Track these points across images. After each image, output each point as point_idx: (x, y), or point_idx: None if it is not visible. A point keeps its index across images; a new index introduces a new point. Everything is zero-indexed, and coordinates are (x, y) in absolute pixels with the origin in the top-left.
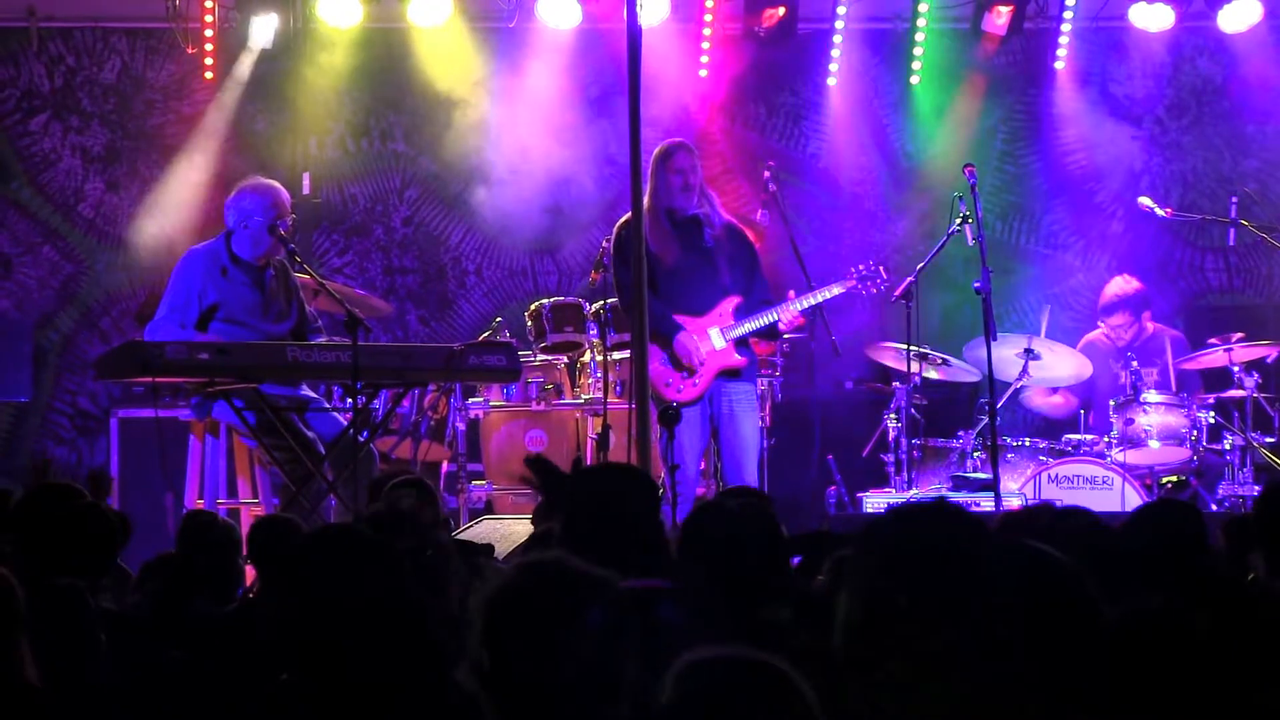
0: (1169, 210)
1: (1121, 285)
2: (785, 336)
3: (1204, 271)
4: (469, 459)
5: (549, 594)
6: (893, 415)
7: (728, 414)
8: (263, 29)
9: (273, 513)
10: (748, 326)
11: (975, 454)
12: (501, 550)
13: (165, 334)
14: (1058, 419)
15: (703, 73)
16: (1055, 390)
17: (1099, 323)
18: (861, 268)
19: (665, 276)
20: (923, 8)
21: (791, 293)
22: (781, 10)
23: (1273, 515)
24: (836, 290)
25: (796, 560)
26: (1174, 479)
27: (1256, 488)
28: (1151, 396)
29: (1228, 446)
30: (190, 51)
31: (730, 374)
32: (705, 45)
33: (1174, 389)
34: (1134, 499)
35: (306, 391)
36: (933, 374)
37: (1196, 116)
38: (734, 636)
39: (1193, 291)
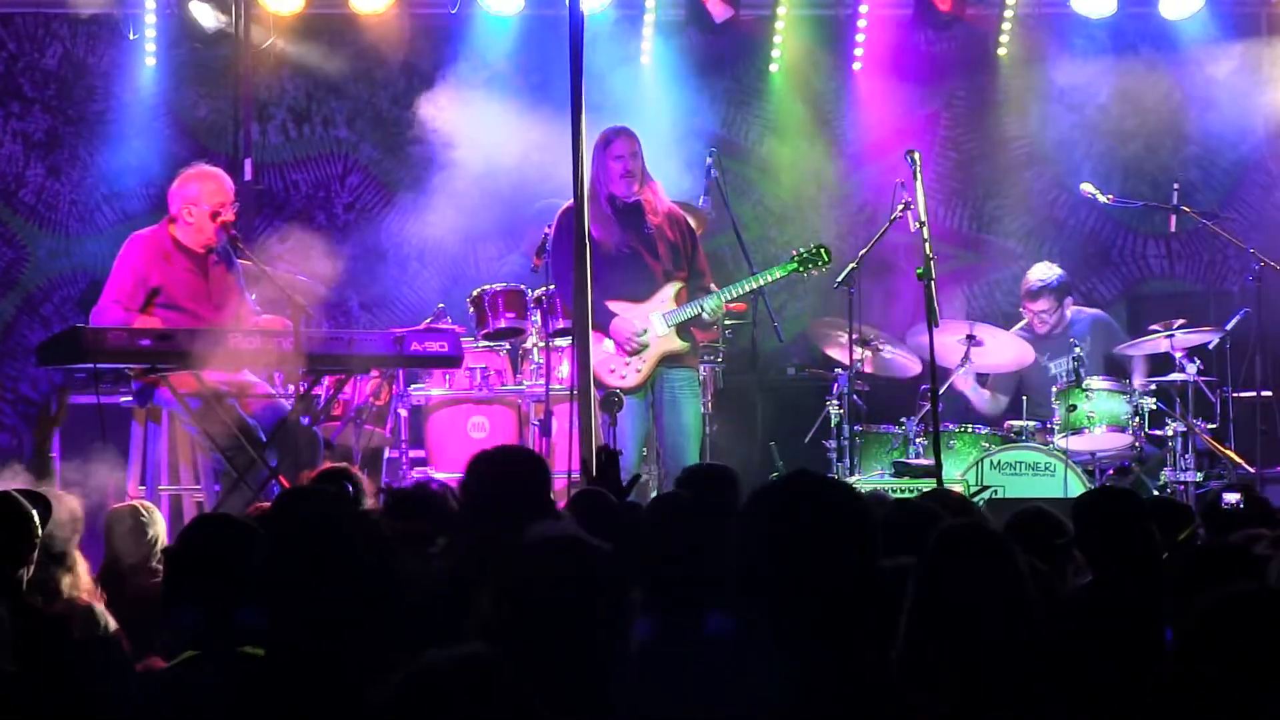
0: (1111, 196)
1: (1044, 271)
2: (728, 323)
3: (1145, 258)
4: (411, 445)
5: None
6: (835, 401)
7: (670, 400)
8: (204, 13)
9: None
10: (689, 313)
11: (918, 440)
12: None
13: (110, 319)
14: (981, 412)
15: (644, 59)
16: (984, 381)
17: (1022, 309)
18: (803, 250)
19: (607, 262)
20: None
21: (713, 285)
22: None
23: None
24: (777, 274)
25: None
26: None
27: (1198, 474)
28: (1094, 383)
29: (1170, 432)
30: (132, 37)
31: (672, 360)
32: (647, 31)
33: (1104, 370)
34: (1077, 485)
35: (249, 377)
36: (873, 361)
37: (1139, 103)
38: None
39: (1134, 278)
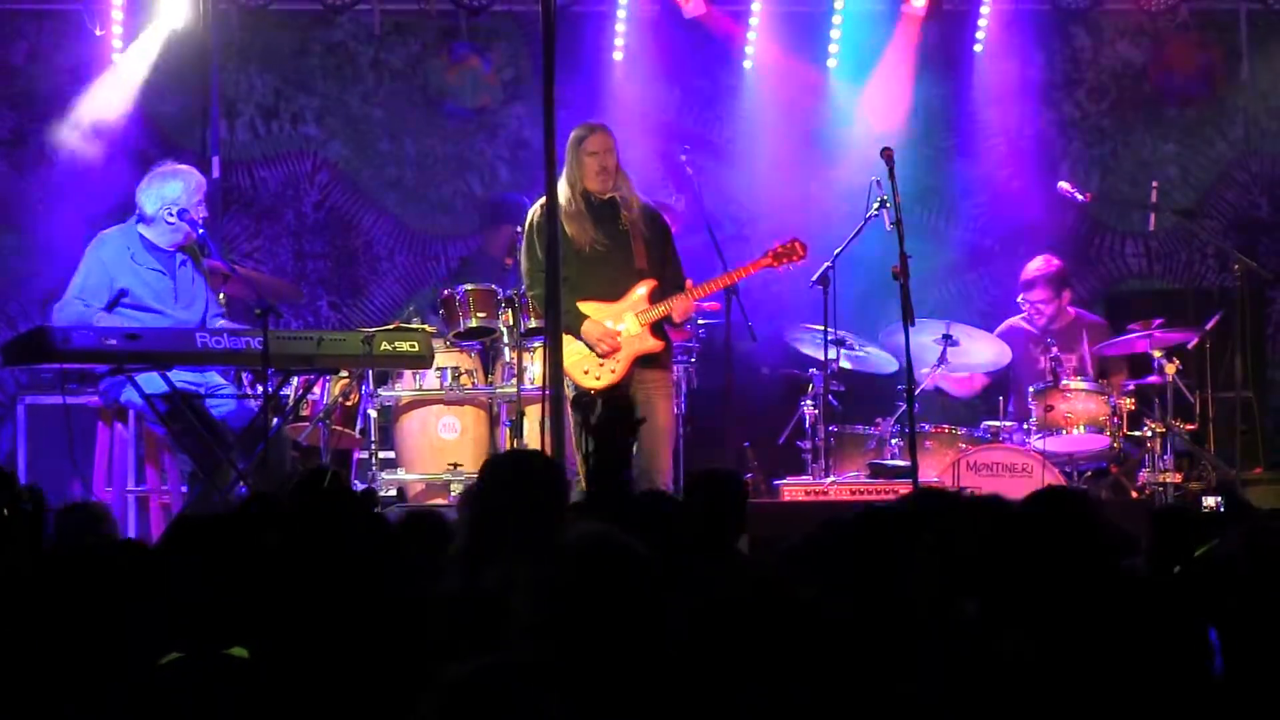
0: (1088, 195)
1: (1042, 263)
2: (701, 323)
3: (1124, 257)
4: (381, 446)
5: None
6: (810, 402)
7: (643, 401)
8: (171, 9)
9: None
10: (662, 310)
11: (894, 441)
12: None
13: (70, 315)
14: (960, 397)
15: (618, 55)
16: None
17: (1019, 299)
18: (778, 245)
19: (580, 260)
20: None
21: (689, 282)
22: None
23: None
24: (751, 268)
25: None
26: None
27: (1177, 475)
28: (1073, 383)
29: (1148, 434)
30: (98, 34)
31: (646, 360)
32: (621, 28)
33: (1093, 375)
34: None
35: (216, 379)
36: (846, 365)
37: (1116, 100)
38: None
39: (1112, 277)
